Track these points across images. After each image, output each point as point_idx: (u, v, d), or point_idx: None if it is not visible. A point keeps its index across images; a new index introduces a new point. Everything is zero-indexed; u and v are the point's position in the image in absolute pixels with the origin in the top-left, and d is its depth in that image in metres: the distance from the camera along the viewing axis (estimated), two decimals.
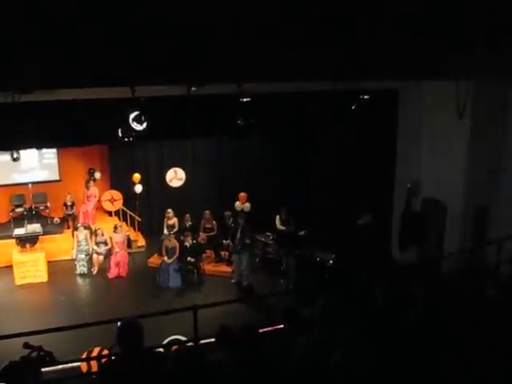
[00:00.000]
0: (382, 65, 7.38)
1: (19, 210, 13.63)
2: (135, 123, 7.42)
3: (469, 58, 7.54)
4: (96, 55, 6.30)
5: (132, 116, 7.41)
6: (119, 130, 7.77)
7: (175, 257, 11.37)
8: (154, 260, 12.42)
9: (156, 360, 4.11)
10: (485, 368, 3.92)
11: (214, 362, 4.30)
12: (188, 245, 11.43)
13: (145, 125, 7.46)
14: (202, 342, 6.57)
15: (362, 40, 6.77)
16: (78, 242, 12.14)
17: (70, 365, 6.85)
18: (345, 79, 7.49)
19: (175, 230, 12.41)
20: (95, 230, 12.38)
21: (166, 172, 13.60)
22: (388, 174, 11.01)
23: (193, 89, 7.28)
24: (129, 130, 7.53)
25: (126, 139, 7.79)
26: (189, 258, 11.30)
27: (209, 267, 11.97)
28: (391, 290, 4.66)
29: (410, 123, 10.32)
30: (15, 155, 11.44)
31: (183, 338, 7.42)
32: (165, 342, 7.46)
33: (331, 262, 10.85)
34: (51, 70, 6.20)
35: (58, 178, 14.41)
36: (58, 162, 14.34)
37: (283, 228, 11.93)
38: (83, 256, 12.04)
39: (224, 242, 12.12)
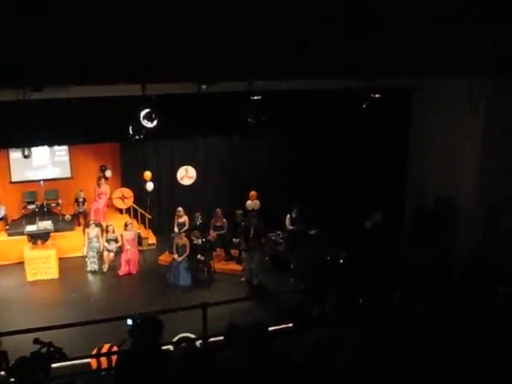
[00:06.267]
0: (394, 62, 7.30)
1: (31, 206, 13.73)
2: (146, 121, 7.42)
3: (482, 55, 7.43)
4: (107, 52, 6.29)
5: (143, 114, 7.41)
6: (130, 128, 7.77)
7: (185, 255, 11.36)
8: (165, 258, 12.44)
9: (166, 357, 4.11)
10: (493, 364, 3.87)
11: (222, 360, 4.29)
12: (198, 243, 11.42)
13: (155, 122, 7.46)
14: (211, 339, 6.58)
15: (375, 37, 6.69)
16: (89, 239, 12.19)
17: (79, 361, 6.88)
18: (357, 77, 7.43)
19: (185, 228, 12.41)
20: (106, 227, 12.43)
21: (176, 170, 13.61)
22: (400, 172, 10.94)
23: (203, 87, 7.27)
24: (139, 127, 7.53)
25: (136, 137, 7.79)
26: (199, 256, 11.30)
27: (219, 265, 11.98)
28: (400, 288, 4.62)
29: (422, 121, 10.24)
30: (26, 152, 11.52)
31: (193, 336, 7.43)
32: (174, 339, 7.46)
33: (342, 261, 10.79)
34: (64, 66, 6.21)
35: (69, 176, 14.49)
36: (70, 160, 14.40)
37: (292, 227, 11.89)
38: (94, 253, 12.09)
39: (234, 240, 12.11)
